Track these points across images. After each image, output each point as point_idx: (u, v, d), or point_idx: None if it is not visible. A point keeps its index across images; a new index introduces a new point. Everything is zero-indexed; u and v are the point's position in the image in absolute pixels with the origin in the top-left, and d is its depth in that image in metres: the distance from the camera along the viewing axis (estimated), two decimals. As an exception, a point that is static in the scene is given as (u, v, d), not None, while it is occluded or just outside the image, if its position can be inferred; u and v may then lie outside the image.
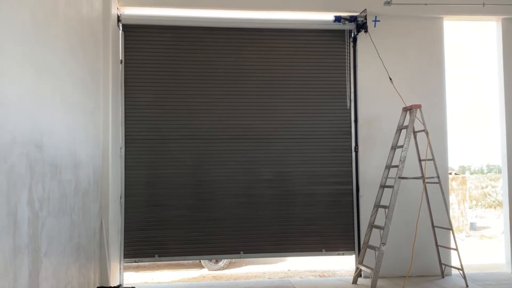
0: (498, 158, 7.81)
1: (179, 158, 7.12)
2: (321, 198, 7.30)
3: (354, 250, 7.32)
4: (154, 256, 7.05)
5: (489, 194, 26.08)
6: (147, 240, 7.01)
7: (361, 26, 7.22)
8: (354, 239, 7.32)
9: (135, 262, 7.11)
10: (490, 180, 32.45)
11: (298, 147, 7.30)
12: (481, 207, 24.84)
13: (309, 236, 7.26)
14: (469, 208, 19.75)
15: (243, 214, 7.18)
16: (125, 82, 7.04)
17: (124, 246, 6.93)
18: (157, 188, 7.06)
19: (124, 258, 6.92)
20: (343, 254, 7.40)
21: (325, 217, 7.28)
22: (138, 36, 7.13)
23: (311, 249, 7.28)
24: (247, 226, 7.18)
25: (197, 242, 7.10)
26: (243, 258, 7.33)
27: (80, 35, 5.26)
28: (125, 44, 7.08)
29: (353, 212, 7.35)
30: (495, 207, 24.12)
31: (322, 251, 7.29)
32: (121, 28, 7.02)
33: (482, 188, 28.50)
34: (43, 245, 3.93)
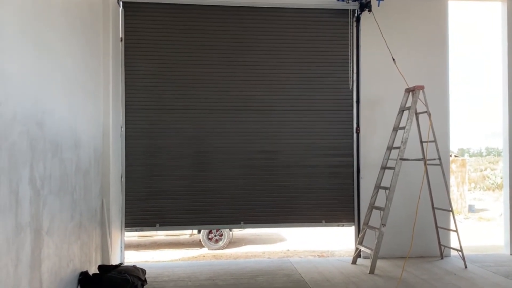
0: (499, 141, 7.78)
1: (180, 129, 7.09)
2: (322, 169, 7.31)
3: (354, 221, 7.36)
4: (155, 226, 7.10)
5: (488, 177, 26.19)
6: (148, 209, 7.04)
7: (365, 5, 7.11)
8: (354, 210, 7.35)
9: (136, 231, 7.14)
10: (489, 162, 32.59)
11: (299, 119, 7.27)
12: (480, 190, 24.96)
13: (309, 207, 7.29)
14: (468, 190, 19.85)
15: (243, 185, 7.20)
16: (125, 60, 6.96)
17: (126, 216, 6.96)
18: (158, 159, 7.05)
19: (125, 227, 6.96)
20: (343, 226, 7.43)
21: (325, 189, 7.32)
22: (138, 14, 7.02)
23: (311, 220, 7.33)
24: (248, 197, 7.20)
25: (198, 212, 7.14)
26: (243, 228, 7.40)
27: (80, 12, 5.17)
28: (125, 21, 6.97)
29: (353, 184, 7.36)
30: (493, 190, 24.24)
31: (322, 222, 7.35)
32: (121, 5, 6.90)
33: (481, 170, 28.62)
34: (44, 223, 3.93)
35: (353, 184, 7.37)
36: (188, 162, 7.11)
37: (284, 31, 7.28)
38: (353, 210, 7.36)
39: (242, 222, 7.25)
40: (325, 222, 7.36)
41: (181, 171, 7.09)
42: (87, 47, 5.47)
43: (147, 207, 7.04)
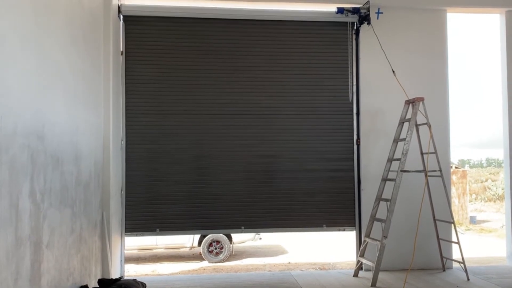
0: (499, 152, 7.79)
1: (180, 134, 7.09)
2: (322, 174, 7.28)
3: (355, 225, 7.31)
4: (156, 231, 7.06)
5: (489, 188, 26.12)
6: (148, 214, 7.01)
7: (364, 18, 7.15)
8: (355, 214, 7.31)
9: (136, 236, 7.11)
10: (490, 174, 32.51)
11: (299, 126, 7.27)
12: (481, 201, 24.89)
13: (310, 211, 7.26)
14: (469, 201, 19.79)
15: (244, 189, 7.17)
16: (125, 74, 7.00)
17: (126, 221, 6.93)
18: (158, 163, 7.04)
19: (125, 232, 6.93)
20: (344, 230, 7.39)
21: (326, 193, 7.29)
22: (139, 27, 7.07)
23: (312, 224, 7.29)
24: (248, 201, 7.17)
25: (198, 217, 7.10)
26: (244, 232, 7.39)
27: (81, 26, 5.21)
28: (125, 35, 7.02)
29: (353, 188, 7.33)
30: (494, 201, 24.17)
31: (323, 226, 7.31)
32: (121, 19, 6.95)
33: (482, 181, 28.54)
34: (44, 236, 3.91)
35: (354, 188, 7.34)
36: (188, 167, 7.10)
37: (284, 43, 7.31)
38: (354, 214, 7.32)
39: (242, 227, 7.21)
40: (326, 226, 7.33)
41: (181, 176, 7.07)
42: (88, 60, 5.50)
43: (147, 212, 7.01)
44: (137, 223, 6.99)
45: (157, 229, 7.05)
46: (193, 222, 7.12)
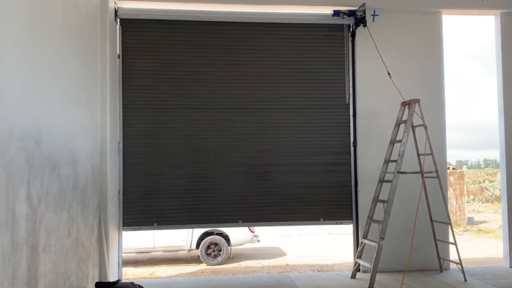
0: (496, 153, 7.82)
1: (177, 129, 7.10)
2: (319, 168, 7.29)
3: (351, 219, 7.33)
4: (153, 225, 7.06)
5: (486, 189, 26.14)
6: (145, 209, 7.01)
7: (360, 20, 7.18)
8: (352, 208, 7.33)
9: (134, 230, 7.11)
10: (487, 174, 32.50)
11: (297, 121, 7.30)
12: (479, 202, 24.92)
13: (307, 205, 7.27)
14: (467, 202, 19.81)
15: (241, 183, 7.17)
16: (122, 77, 7.01)
17: (123, 215, 6.93)
18: (155, 158, 7.04)
19: (123, 226, 6.93)
20: (341, 224, 7.41)
21: (323, 187, 7.29)
22: (135, 30, 7.08)
23: (309, 218, 7.30)
24: (246, 195, 7.18)
25: (196, 211, 7.10)
26: (241, 226, 7.40)
27: (78, 29, 5.22)
28: (122, 38, 7.03)
29: (350, 182, 7.35)
30: (492, 202, 24.20)
31: (320, 220, 7.32)
32: (118, 22, 6.97)
33: (480, 182, 28.55)
34: (41, 240, 3.92)
35: (351, 182, 7.35)
36: (185, 161, 7.10)
37: (280, 45, 7.33)
38: (351, 208, 7.33)
39: (240, 221, 7.21)
40: (323, 220, 7.33)
41: (178, 170, 7.08)
42: (85, 63, 5.51)
43: (144, 206, 7.01)
44: (134, 217, 6.99)
45: (155, 223, 7.05)
46: (190, 216, 7.12)
